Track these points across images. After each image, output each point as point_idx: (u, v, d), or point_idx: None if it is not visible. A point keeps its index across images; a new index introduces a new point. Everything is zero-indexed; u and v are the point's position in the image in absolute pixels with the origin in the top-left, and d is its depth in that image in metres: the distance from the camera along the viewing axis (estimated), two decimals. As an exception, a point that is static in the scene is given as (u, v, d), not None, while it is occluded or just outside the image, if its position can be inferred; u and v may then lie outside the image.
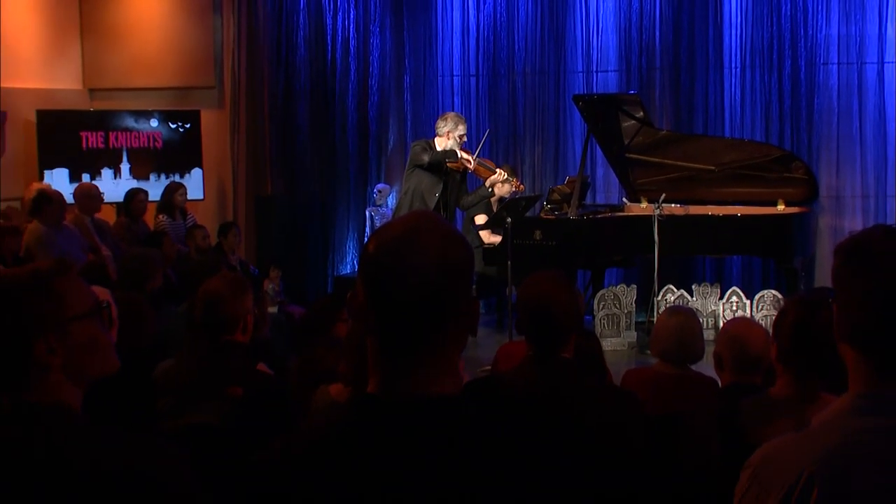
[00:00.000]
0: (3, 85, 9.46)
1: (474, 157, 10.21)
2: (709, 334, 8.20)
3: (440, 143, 10.09)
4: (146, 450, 2.22)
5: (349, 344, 4.13)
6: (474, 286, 2.01)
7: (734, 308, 10.16)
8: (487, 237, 10.56)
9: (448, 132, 10.05)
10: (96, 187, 10.88)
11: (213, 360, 4.42)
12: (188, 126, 12.37)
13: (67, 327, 2.29)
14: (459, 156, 10.07)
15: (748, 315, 9.81)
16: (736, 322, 4.56)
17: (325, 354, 4.76)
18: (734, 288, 10.45)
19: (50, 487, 2.15)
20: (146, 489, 2.14)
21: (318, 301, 6.41)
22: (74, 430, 2.27)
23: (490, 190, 10.38)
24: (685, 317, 5.05)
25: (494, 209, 10.60)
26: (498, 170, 10.39)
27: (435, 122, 10.58)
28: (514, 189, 10.44)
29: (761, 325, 4.46)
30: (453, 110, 12.00)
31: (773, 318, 3.67)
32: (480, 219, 10.60)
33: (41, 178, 11.45)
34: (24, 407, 2.26)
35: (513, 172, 10.97)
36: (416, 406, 1.77)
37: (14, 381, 2.27)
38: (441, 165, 10.03)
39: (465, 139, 10.15)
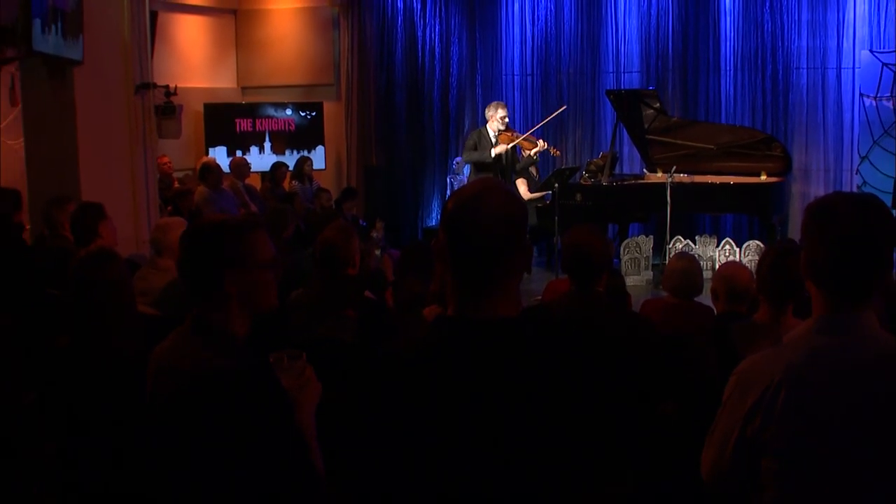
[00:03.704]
0: (179, 85, 9.57)
1: (515, 133, 9.97)
2: (707, 274, 8.11)
3: (490, 126, 9.90)
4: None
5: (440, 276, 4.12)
6: (528, 235, 2.01)
7: (727, 254, 10.05)
8: (526, 194, 10.59)
9: (492, 116, 9.89)
10: (246, 160, 11.02)
11: (331, 289, 4.46)
12: (314, 114, 12.43)
13: (252, 269, 2.27)
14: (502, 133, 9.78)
15: (738, 259, 9.70)
16: (728, 265, 4.50)
17: (414, 284, 4.78)
18: (727, 238, 10.33)
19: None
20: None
21: (410, 245, 6.41)
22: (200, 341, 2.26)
23: (536, 158, 10.32)
24: (689, 261, 5.01)
25: (534, 175, 10.96)
26: (538, 141, 10.19)
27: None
28: (548, 150, 10.22)
29: (747, 267, 4.41)
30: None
31: (757, 261, 3.64)
32: (521, 184, 10.67)
33: (206, 153, 11.61)
34: (202, 322, 2.27)
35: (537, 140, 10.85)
36: (485, 325, 1.77)
37: (204, 301, 2.28)
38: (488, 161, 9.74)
39: (506, 119, 9.90)
